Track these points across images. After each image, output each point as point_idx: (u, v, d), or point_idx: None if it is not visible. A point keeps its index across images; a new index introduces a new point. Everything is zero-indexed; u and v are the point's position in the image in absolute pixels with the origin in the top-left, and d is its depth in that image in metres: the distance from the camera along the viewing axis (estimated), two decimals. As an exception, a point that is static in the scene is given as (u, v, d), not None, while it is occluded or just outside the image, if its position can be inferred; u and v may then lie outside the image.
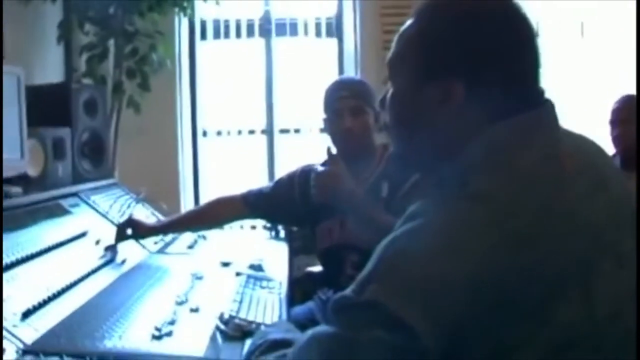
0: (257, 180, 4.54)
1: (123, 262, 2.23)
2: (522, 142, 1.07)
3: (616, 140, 3.42)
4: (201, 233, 3.02)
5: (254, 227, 4.39)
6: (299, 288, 2.71)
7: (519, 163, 1.04)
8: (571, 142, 1.15)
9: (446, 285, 0.96)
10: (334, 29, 4.58)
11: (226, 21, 4.50)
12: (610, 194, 1.10)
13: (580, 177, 1.06)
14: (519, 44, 1.12)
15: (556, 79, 4.64)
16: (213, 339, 1.59)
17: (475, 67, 1.09)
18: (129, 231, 2.43)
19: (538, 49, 1.14)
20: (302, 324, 1.86)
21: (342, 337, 1.02)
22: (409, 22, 1.19)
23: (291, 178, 2.60)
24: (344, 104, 2.41)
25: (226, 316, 1.69)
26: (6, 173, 2.10)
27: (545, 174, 1.03)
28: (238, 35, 4.52)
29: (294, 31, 4.57)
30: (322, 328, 1.08)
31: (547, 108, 1.14)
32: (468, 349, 0.97)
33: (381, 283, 0.99)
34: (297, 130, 4.61)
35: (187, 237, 2.83)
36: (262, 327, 1.61)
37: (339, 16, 4.58)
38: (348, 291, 1.03)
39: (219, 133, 4.57)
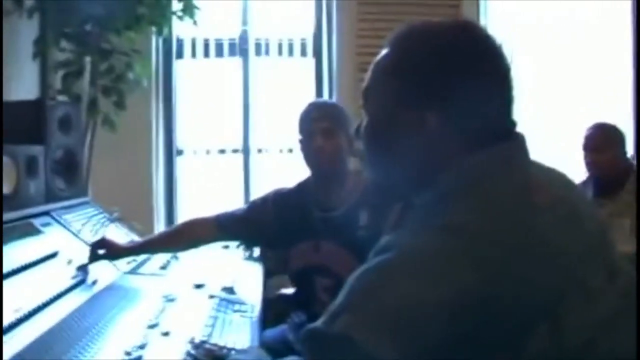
0: (233, 199, 4.54)
1: (94, 282, 2.20)
2: (494, 174, 1.08)
3: (589, 166, 3.48)
4: (174, 253, 3.01)
5: (226, 247, 4.39)
6: (272, 310, 2.69)
7: (491, 195, 1.05)
8: (542, 175, 1.16)
9: (417, 318, 0.96)
10: (312, 49, 4.59)
11: (205, 40, 4.50)
12: (582, 228, 1.11)
13: (552, 209, 1.07)
14: (492, 77, 1.13)
15: (530, 104, 4.70)
16: (184, 364, 1.58)
17: (449, 99, 1.10)
18: (102, 251, 2.41)
19: (511, 82, 1.15)
20: (274, 349, 1.86)
21: None
22: (383, 51, 1.20)
23: (265, 200, 2.60)
24: (316, 126, 2.45)
25: (197, 340, 1.68)
26: (-23, 192, 2.08)
27: (517, 206, 1.04)
28: (216, 54, 4.52)
29: (271, 51, 4.58)
30: (292, 359, 1.08)
31: (519, 141, 1.15)
32: None
33: (352, 315, 0.99)
34: (268, 150, 4.62)
35: (160, 257, 2.80)
36: (233, 354, 1.61)
37: (317, 36, 4.60)
38: (319, 322, 1.03)
39: (194, 152, 4.55)
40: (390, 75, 1.16)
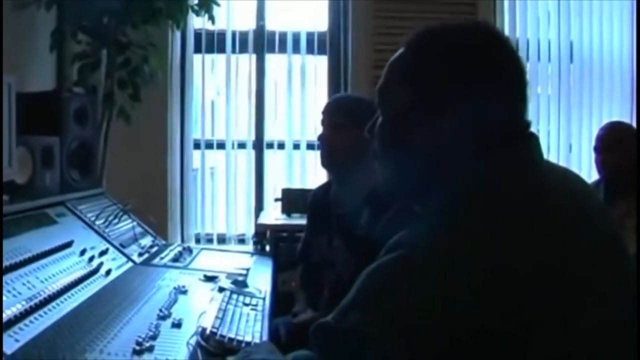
0: (246, 193, 4.56)
1: (107, 273, 2.23)
2: (507, 177, 1.08)
3: (600, 165, 3.47)
4: (187, 245, 3.04)
5: (241, 241, 4.42)
6: (282, 303, 2.71)
7: (503, 198, 1.05)
8: (555, 177, 1.17)
9: (427, 316, 0.97)
10: (327, 45, 4.59)
11: (220, 34, 4.51)
12: (593, 231, 1.11)
13: (564, 212, 1.08)
14: (507, 80, 1.14)
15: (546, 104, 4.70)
16: (193, 355, 1.60)
17: (464, 101, 1.11)
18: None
19: (525, 84, 1.16)
20: (284, 344, 1.88)
21: None
22: (399, 51, 1.20)
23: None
24: (324, 117, 2.50)
25: (207, 332, 1.69)
26: (-7, 181, 2.10)
27: (528, 209, 1.05)
28: (232, 49, 4.53)
29: (286, 46, 4.59)
30: (303, 354, 1.09)
31: (532, 142, 1.16)
32: None
33: (362, 311, 1.01)
34: (282, 146, 4.63)
35: (173, 249, 2.83)
36: (244, 347, 1.62)
37: (332, 33, 4.59)
38: (329, 318, 1.04)
39: (209, 145, 4.56)
40: (406, 76, 1.17)
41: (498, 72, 1.13)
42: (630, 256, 1.19)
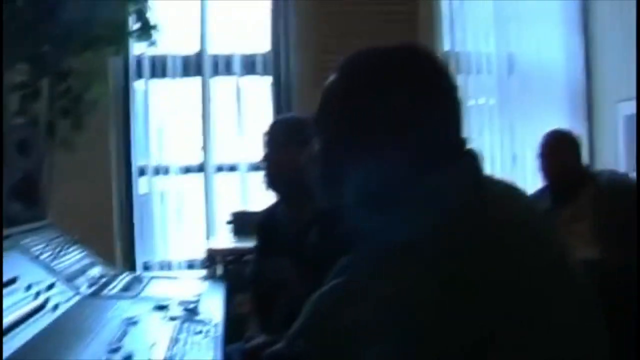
0: (194, 218, 4.54)
1: (55, 307, 2.18)
2: (446, 194, 1.10)
3: (545, 171, 3.54)
4: (137, 274, 3.00)
5: (191, 266, 4.38)
6: (235, 328, 2.69)
7: (444, 214, 1.06)
8: (496, 189, 1.19)
9: (376, 339, 0.97)
10: (269, 66, 4.61)
11: (162, 58, 4.49)
12: (538, 240, 1.13)
13: (507, 223, 1.10)
14: (440, 97, 1.16)
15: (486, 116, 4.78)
16: (146, 388, 1.58)
17: (398, 123, 1.12)
18: None
19: (459, 101, 1.18)
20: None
21: None
22: (332, 77, 1.22)
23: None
24: (267, 138, 2.52)
25: (159, 364, 1.68)
26: None
27: (469, 224, 1.06)
28: (174, 73, 4.51)
29: (229, 69, 4.58)
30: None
31: (472, 157, 1.18)
32: None
33: (309, 338, 1.01)
34: (233, 168, 4.61)
35: (122, 278, 2.79)
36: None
37: (275, 53, 4.61)
38: (280, 347, 1.04)
39: (155, 171, 4.52)
40: (341, 101, 1.18)
41: (430, 89, 1.16)
42: (575, 264, 1.21)
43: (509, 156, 4.82)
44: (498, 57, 4.81)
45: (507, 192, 1.24)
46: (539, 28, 4.86)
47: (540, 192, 3.60)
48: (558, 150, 3.51)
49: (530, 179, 4.65)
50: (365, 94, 1.15)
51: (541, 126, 4.70)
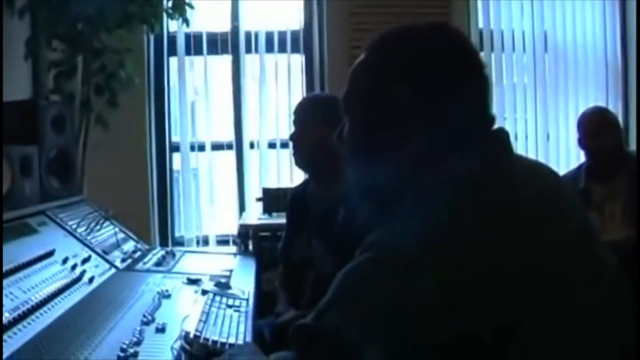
0: (227, 194, 4.57)
1: (90, 280, 2.23)
2: (478, 175, 1.09)
3: (588, 150, 3.49)
4: (169, 249, 3.05)
5: (224, 242, 4.42)
6: (266, 304, 2.73)
7: (472, 196, 1.06)
8: (525, 170, 1.18)
9: (402, 316, 0.98)
10: (301, 43, 4.61)
11: (196, 36, 4.50)
12: (563, 225, 1.12)
13: (532, 207, 1.09)
14: (469, 76, 1.16)
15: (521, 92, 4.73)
16: (178, 359, 1.61)
17: (427, 102, 1.12)
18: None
19: (487, 80, 1.18)
20: (267, 345, 1.89)
21: None
22: (361, 57, 1.22)
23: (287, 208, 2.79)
24: (295, 116, 2.55)
25: (191, 336, 1.71)
26: (-28, 193, 2.10)
27: (498, 208, 1.05)
28: (208, 50, 4.53)
29: (262, 46, 4.58)
30: (284, 355, 1.11)
31: (502, 137, 1.18)
32: None
33: (338, 312, 1.02)
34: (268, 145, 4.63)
35: (156, 253, 2.84)
36: (228, 349, 1.64)
37: (307, 31, 4.61)
38: (308, 319, 1.06)
39: (192, 148, 4.55)
40: (370, 80, 1.19)
41: (459, 68, 1.15)
42: (603, 246, 1.20)
43: (544, 135, 4.76)
44: (533, 34, 4.75)
45: (536, 170, 1.23)
46: (575, 5, 4.78)
47: (575, 171, 3.56)
48: (604, 129, 3.44)
49: (563, 157, 4.61)
50: (393, 72, 1.15)
51: (575, 105, 4.69)
